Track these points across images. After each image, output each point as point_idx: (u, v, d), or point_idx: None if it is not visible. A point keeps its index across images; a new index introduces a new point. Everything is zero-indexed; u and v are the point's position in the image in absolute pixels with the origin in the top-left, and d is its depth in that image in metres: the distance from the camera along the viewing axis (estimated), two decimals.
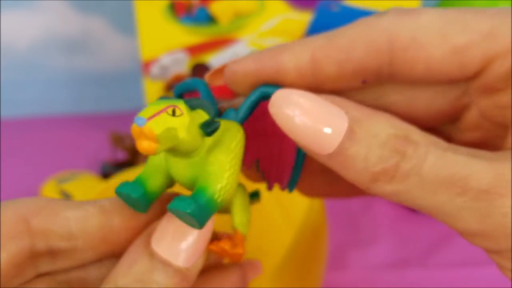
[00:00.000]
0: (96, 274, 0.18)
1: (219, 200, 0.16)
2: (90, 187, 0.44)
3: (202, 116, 0.16)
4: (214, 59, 0.50)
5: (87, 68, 0.62)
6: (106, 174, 0.48)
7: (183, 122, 0.15)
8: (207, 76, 0.19)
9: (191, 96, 0.18)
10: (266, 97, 0.17)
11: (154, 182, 0.17)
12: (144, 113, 0.14)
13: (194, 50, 0.50)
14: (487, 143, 0.17)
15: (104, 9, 0.58)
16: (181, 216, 0.15)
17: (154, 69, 0.50)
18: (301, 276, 0.29)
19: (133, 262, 0.16)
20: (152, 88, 0.51)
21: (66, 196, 0.43)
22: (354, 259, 0.40)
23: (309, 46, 0.16)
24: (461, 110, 0.17)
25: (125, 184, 0.16)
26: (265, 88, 0.17)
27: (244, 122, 0.17)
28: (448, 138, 0.18)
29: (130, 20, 0.53)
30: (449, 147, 0.15)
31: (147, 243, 0.16)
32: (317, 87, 0.17)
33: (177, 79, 0.51)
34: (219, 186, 0.16)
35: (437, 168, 0.15)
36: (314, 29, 0.48)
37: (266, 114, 0.16)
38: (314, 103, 0.15)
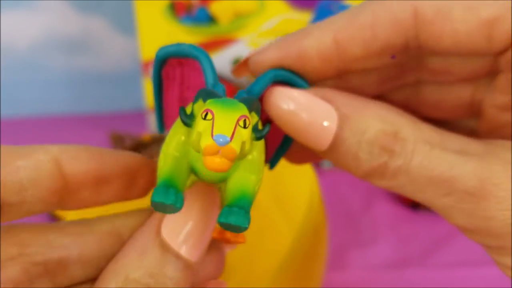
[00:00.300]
0: (76, 256, 0.16)
1: (254, 199, 0.15)
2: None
3: (253, 116, 0.15)
4: (214, 59, 0.50)
5: (87, 68, 0.62)
6: None
7: (249, 133, 0.14)
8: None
9: (179, 61, 0.17)
10: (277, 80, 0.17)
11: (181, 180, 0.15)
12: (223, 129, 0.13)
13: None
14: None
15: (104, 9, 0.58)
16: (227, 226, 0.14)
17: None
18: (301, 276, 0.29)
19: (144, 252, 0.15)
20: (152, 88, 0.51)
21: None
22: (354, 259, 0.40)
23: (331, 28, 0.16)
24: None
25: (157, 193, 0.14)
26: (278, 71, 0.17)
27: None
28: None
29: (130, 20, 0.53)
30: (439, 143, 0.15)
31: (157, 232, 0.16)
32: (345, 69, 0.16)
33: None
34: (257, 187, 0.15)
35: (424, 168, 0.15)
36: None
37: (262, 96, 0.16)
38: (306, 100, 0.15)
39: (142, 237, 0.16)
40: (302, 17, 0.48)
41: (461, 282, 0.37)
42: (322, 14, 0.48)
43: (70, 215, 0.25)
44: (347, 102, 0.16)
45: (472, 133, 0.18)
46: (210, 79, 0.16)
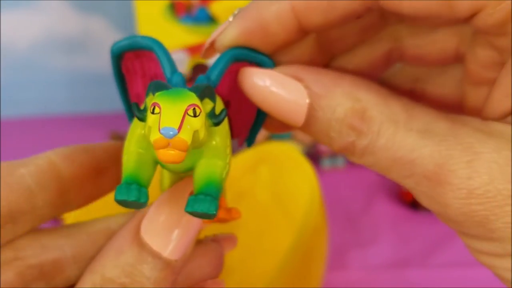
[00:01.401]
0: (71, 256, 0.16)
1: (223, 184, 0.15)
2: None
3: (206, 102, 0.15)
4: (214, 59, 0.50)
5: (87, 68, 0.62)
6: None
7: (202, 121, 0.14)
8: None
9: (135, 53, 0.17)
10: (243, 60, 0.17)
11: (145, 175, 0.15)
12: (169, 121, 0.13)
13: (194, 50, 0.50)
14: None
15: (104, 9, 0.58)
16: (195, 215, 0.14)
17: None
18: (301, 276, 0.29)
19: (121, 251, 0.15)
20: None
21: None
22: (354, 259, 0.40)
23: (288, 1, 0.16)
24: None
25: (119, 191, 0.14)
26: (236, 51, 0.17)
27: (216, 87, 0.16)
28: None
29: (130, 20, 0.53)
30: (405, 121, 0.15)
31: (137, 231, 0.16)
32: (310, 32, 0.16)
33: None
34: (224, 172, 0.15)
35: (387, 150, 0.15)
36: None
37: (227, 77, 0.16)
38: (277, 80, 0.16)
39: (120, 237, 0.16)
40: None
41: (461, 282, 0.37)
42: None
43: (74, 215, 0.25)
44: (317, 80, 0.16)
45: (458, 95, 0.18)
46: (167, 69, 0.16)
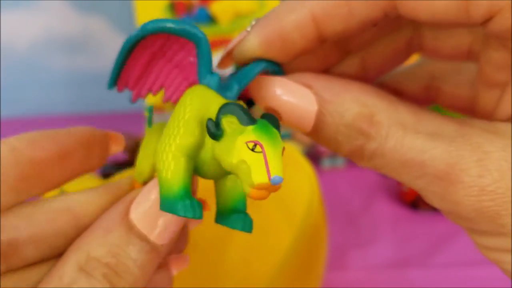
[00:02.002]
0: (27, 236, 0.16)
1: None
2: (90, 187, 0.44)
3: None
4: (214, 59, 0.50)
5: (87, 68, 0.62)
6: (106, 174, 0.48)
7: None
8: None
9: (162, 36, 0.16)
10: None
11: (190, 183, 0.15)
12: (278, 169, 0.13)
13: None
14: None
15: (104, 9, 0.58)
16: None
17: None
18: (301, 276, 0.29)
19: (108, 231, 0.15)
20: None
21: None
22: (354, 259, 0.40)
23: (307, 6, 0.16)
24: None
25: (185, 207, 0.14)
26: (266, 63, 0.17)
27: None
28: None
29: (130, 20, 0.53)
30: (414, 125, 0.15)
31: (126, 212, 0.16)
32: (328, 40, 0.17)
33: None
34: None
35: (397, 152, 0.15)
36: None
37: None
38: (289, 87, 0.16)
39: (108, 217, 0.16)
40: None
41: (461, 282, 0.37)
42: None
43: None
44: (326, 86, 0.16)
45: (472, 96, 0.19)
46: (204, 66, 0.16)
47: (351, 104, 0.16)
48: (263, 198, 0.14)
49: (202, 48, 0.16)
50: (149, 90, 0.18)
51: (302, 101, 0.16)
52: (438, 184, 0.15)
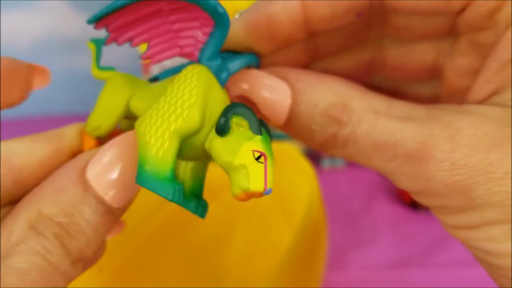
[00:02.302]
0: None
1: None
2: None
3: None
4: None
5: (87, 68, 0.62)
6: None
7: None
8: None
9: None
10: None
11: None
12: (271, 182, 0.14)
13: None
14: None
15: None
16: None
17: (154, 69, 0.50)
18: (301, 276, 0.29)
19: (63, 189, 0.15)
20: None
21: None
22: (354, 259, 0.40)
23: None
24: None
25: (166, 189, 0.14)
26: (256, 58, 0.17)
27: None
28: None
29: None
30: (385, 110, 0.16)
31: (82, 171, 0.15)
32: (313, 30, 0.17)
33: None
34: None
35: (369, 136, 0.15)
36: None
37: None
38: (263, 79, 0.17)
39: (63, 174, 0.15)
40: None
41: (461, 282, 0.37)
42: None
43: None
44: (300, 78, 0.17)
45: (434, 98, 0.19)
46: (214, 49, 0.16)
47: (325, 94, 0.16)
48: (244, 201, 0.14)
49: (220, 31, 0.15)
50: (129, 39, 0.17)
51: (278, 92, 0.16)
52: (409, 163, 0.15)
